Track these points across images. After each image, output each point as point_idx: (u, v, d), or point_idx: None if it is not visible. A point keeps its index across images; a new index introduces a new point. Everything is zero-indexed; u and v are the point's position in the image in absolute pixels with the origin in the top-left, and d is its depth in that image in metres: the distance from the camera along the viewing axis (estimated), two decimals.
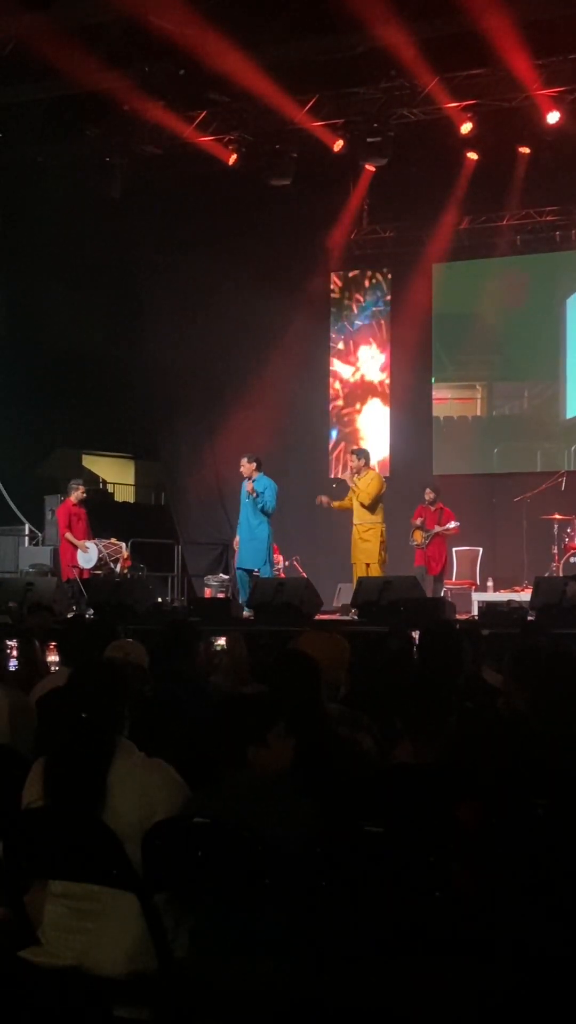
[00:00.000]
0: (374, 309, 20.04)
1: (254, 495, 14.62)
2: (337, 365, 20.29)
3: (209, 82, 15.09)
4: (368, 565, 14.65)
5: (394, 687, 4.95)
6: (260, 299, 18.76)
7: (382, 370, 19.98)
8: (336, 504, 15.23)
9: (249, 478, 14.73)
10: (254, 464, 14.78)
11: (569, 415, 18.95)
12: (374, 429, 19.94)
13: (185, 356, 19.61)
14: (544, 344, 19.21)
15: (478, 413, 19.53)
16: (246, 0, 13.67)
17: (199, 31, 13.60)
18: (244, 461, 14.88)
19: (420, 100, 15.73)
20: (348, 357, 20.24)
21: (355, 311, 20.21)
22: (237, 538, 15.39)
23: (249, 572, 14.70)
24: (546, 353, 19.20)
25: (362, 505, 14.81)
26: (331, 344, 20.34)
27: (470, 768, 4.04)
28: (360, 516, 14.87)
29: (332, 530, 17.03)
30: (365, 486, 14.78)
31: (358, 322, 20.18)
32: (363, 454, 15.41)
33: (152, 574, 17.47)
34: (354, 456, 15.33)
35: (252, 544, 14.83)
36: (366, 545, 14.81)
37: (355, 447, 16.59)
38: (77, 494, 15.90)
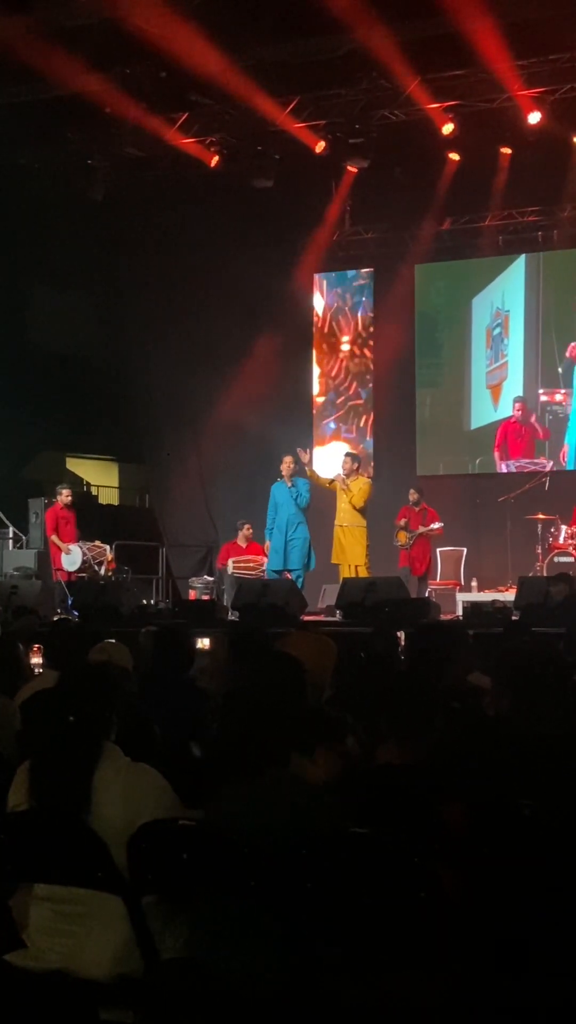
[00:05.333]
0: (357, 309, 20.04)
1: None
2: (320, 366, 20.29)
3: (191, 84, 15.10)
4: (356, 567, 14.79)
5: (379, 688, 4.94)
6: (243, 301, 18.77)
7: (365, 370, 19.99)
8: (317, 477, 15.33)
9: (290, 478, 14.86)
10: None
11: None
12: (357, 430, 19.95)
13: (168, 358, 19.59)
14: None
15: None
16: (227, 2, 13.67)
17: (180, 33, 13.59)
18: (294, 458, 15.03)
19: (402, 101, 15.75)
20: (331, 357, 20.25)
21: (338, 312, 20.21)
22: (269, 542, 15.44)
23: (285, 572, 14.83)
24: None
25: (354, 507, 14.98)
26: (314, 345, 20.33)
27: (455, 769, 4.03)
28: (350, 518, 15.02)
29: (317, 532, 17.03)
30: (358, 489, 15.02)
31: (341, 323, 20.19)
32: (357, 459, 15.80)
33: (137, 576, 17.46)
34: (349, 459, 15.52)
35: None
36: (356, 548, 14.97)
37: (351, 451, 16.67)
38: (62, 497, 15.95)
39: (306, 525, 15.05)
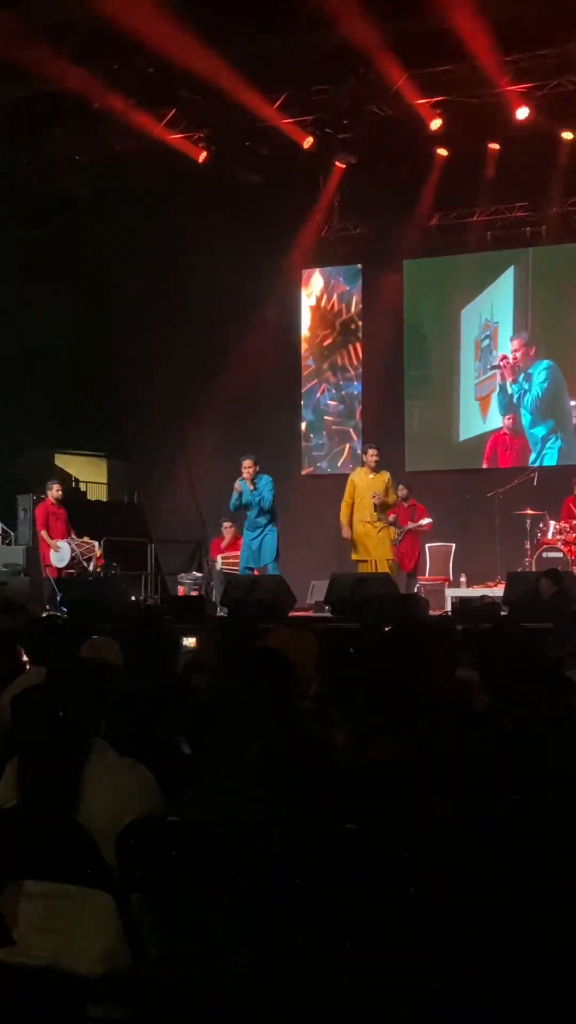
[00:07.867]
0: (346, 305, 20.04)
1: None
2: (309, 362, 20.29)
3: (178, 80, 15.07)
4: (377, 563, 14.67)
5: (367, 684, 4.95)
6: (231, 297, 18.76)
7: (353, 366, 19.99)
8: (387, 504, 15.13)
9: (251, 480, 14.64)
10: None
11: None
12: (346, 427, 19.95)
13: (156, 355, 19.57)
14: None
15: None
16: None
17: (167, 28, 13.57)
18: (254, 460, 14.80)
19: (389, 97, 15.71)
20: (320, 353, 20.24)
21: (327, 307, 20.21)
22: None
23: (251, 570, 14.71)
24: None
25: (389, 503, 14.92)
26: (302, 340, 20.33)
27: (443, 764, 4.04)
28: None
29: (305, 527, 17.04)
30: (385, 485, 14.88)
31: (330, 318, 20.18)
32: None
33: (125, 573, 17.46)
34: (376, 451, 15.37)
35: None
36: (387, 543, 14.88)
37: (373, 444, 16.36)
38: (52, 493, 15.94)
39: (274, 522, 14.85)
